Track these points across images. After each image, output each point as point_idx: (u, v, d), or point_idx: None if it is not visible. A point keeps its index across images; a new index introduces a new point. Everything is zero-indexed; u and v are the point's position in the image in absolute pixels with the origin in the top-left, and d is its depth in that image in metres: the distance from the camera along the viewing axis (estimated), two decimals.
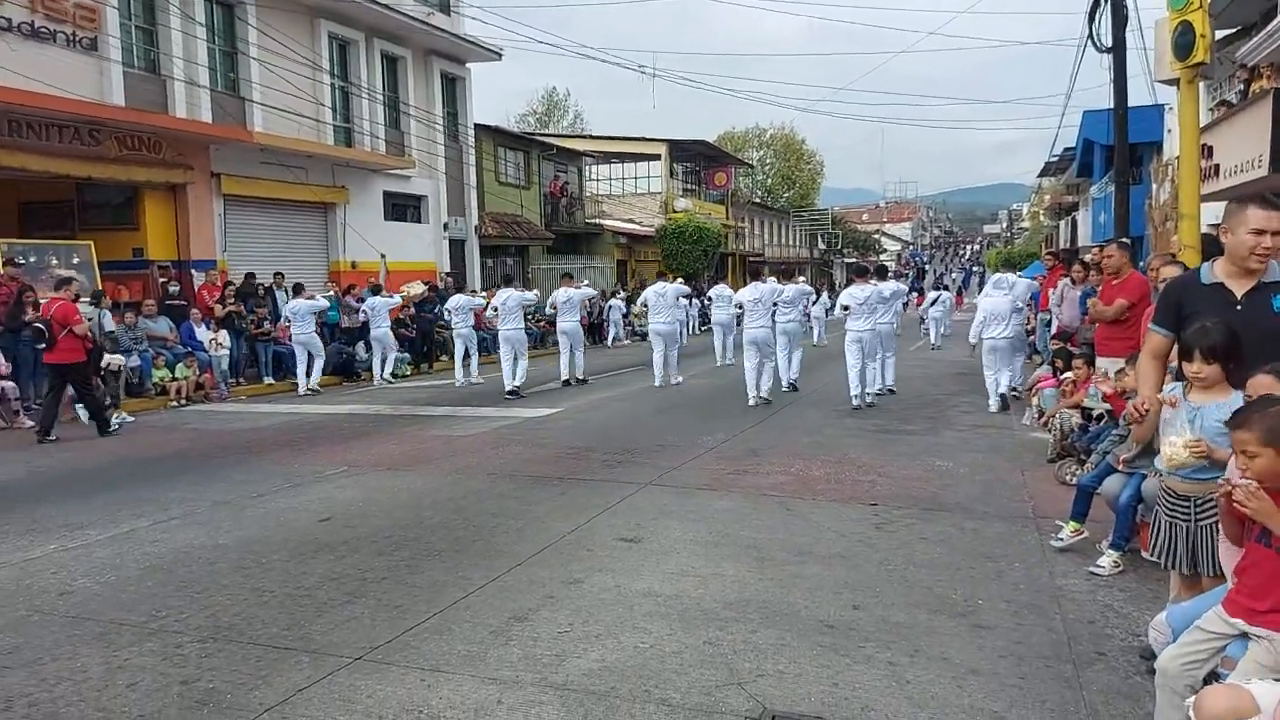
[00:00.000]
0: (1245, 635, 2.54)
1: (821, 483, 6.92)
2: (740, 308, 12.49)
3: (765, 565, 4.88)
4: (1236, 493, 2.45)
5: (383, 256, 19.26)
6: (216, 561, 5.12)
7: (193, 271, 16.11)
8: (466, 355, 14.95)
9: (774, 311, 11.92)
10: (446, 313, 15.61)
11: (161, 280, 15.35)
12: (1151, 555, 3.53)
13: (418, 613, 4.22)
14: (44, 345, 10.07)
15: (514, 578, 4.71)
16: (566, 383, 13.99)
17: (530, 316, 18.01)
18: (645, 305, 14.72)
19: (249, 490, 6.99)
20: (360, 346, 16.04)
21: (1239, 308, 3.40)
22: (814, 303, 19.69)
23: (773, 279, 12.90)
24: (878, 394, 11.64)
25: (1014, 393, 11.06)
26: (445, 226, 23.55)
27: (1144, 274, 7.11)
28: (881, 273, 14.42)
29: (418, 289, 17.65)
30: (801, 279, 16.90)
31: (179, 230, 16.35)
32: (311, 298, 14.58)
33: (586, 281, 21.37)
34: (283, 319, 14.60)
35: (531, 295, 14.60)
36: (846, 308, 11.38)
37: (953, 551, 5.10)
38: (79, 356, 9.98)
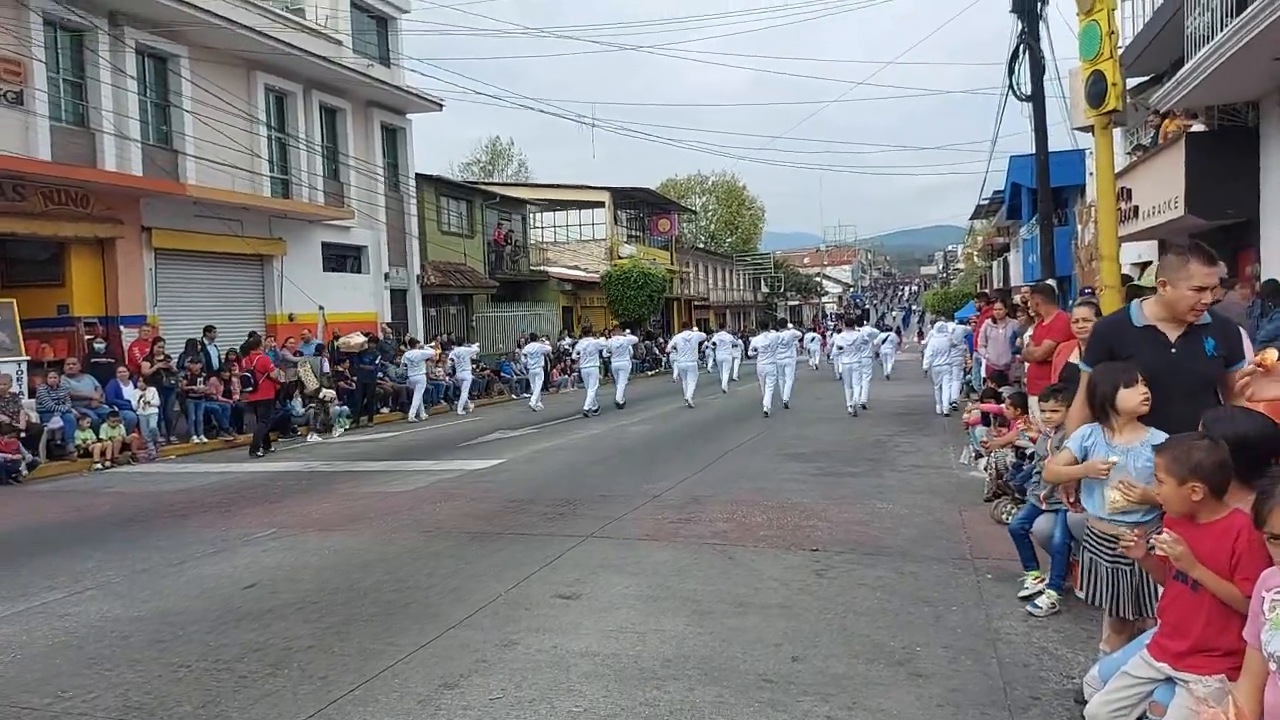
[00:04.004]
0: (1171, 680, 2.55)
1: (763, 529, 6.88)
2: (755, 350, 16.80)
3: (705, 618, 4.80)
4: (1158, 546, 2.47)
5: (321, 309, 18.97)
6: (131, 635, 4.86)
7: (121, 328, 15.64)
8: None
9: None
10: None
11: (87, 338, 14.87)
12: (1089, 600, 3.51)
13: (343, 684, 4.04)
14: (250, 389, 14.25)
15: (446, 642, 4.55)
16: (619, 405, 17.90)
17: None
18: (675, 348, 18.72)
19: (171, 557, 6.70)
20: (297, 402, 15.67)
21: (1173, 351, 3.40)
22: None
23: (773, 329, 17.58)
24: (862, 406, 15.40)
25: (952, 405, 14.46)
26: (386, 276, 23.32)
27: (1068, 313, 7.29)
28: (862, 320, 20.16)
29: (356, 340, 17.36)
30: (792, 326, 22.79)
31: (107, 286, 15.91)
32: (422, 348, 18.92)
33: (628, 330, 24.98)
34: (402, 364, 18.38)
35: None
36: (841, 348, 15.97)
37: (891, 597, 5.08)
38: (270, 395, 14.14)
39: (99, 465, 12.36)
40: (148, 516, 8.49)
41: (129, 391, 13.69)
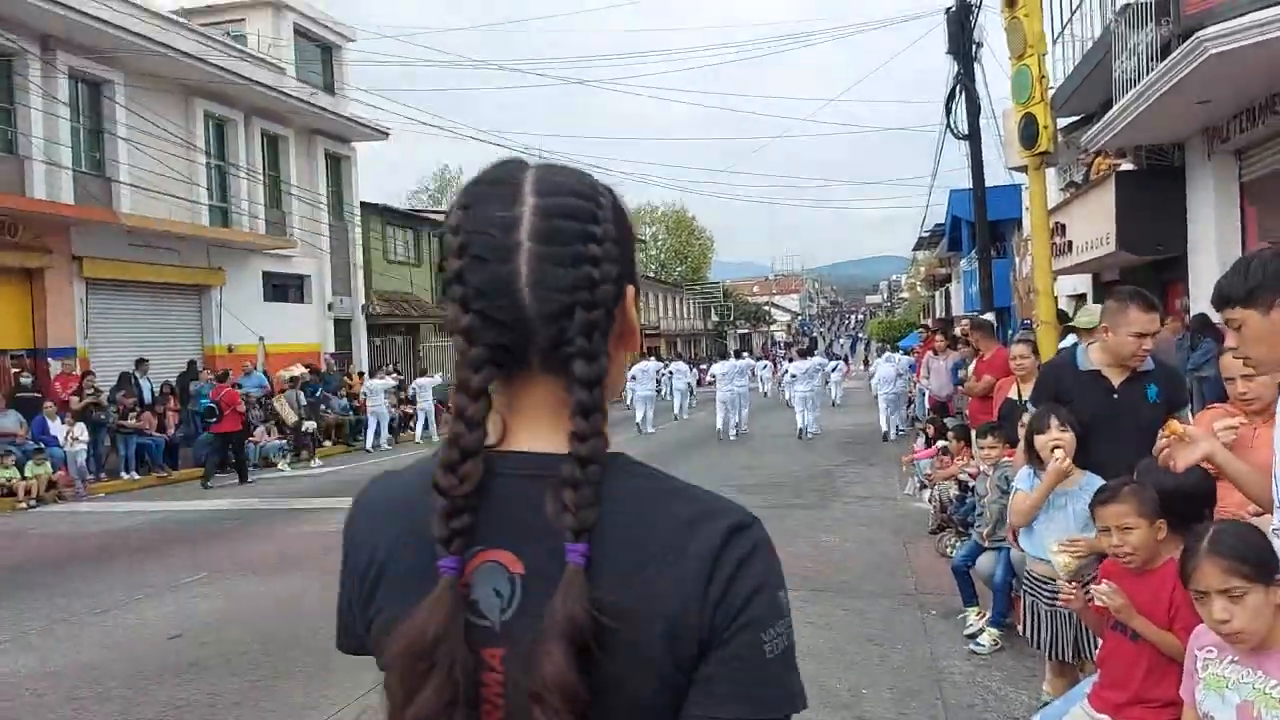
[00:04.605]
0: None
1: None
2: (713, 377, 18.11)
3: None
4: (1097, 597, 2.46)
5: (261, 340, 18.54)
6: (45, 694, 4.61)
7: (50, 361, 15.09)
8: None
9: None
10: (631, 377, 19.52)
11: (14, 370, 14.30)
12: (1031, 643, 3.52)
13: None
14: (214, 419, 13.74)
15: (381, 694, 4.38)
16: None
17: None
18: (633, 378, 19.05)
19: (93, 604, 6.39)
20: None
21: (1115, 396, 3.42)
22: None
23: (733, 358, 19.48)
24: (812, 433, 16.48)
25: (899, 430, 15.85)
26: (330, 306, 22.93)
27: (1008, 348, 7.43)
28: (813, 349, 22.21)
29: (296, 372, 16.95)
30: (747, 355, 25.47)
31: (35, 317, 15.35)
32: (383, 379, 19.24)
33: None
34: (361, 395, 18.84)
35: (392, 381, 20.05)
36: (794, 376, 17.27)
37: (837, 636, 5.06)
38: (236, 427, 13.81)
39: (24, 504, 11.83)
40: (72, 560, 8.11)
41: (56, 427, 13.17)
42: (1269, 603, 1.90)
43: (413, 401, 20.38)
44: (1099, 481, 3.33)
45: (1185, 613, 2.34)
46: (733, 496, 0.90)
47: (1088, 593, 2.64)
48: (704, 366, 38.11)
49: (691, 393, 23.98)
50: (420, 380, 20.85)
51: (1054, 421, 3.34)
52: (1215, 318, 9.29)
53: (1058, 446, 3.29)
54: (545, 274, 0.86)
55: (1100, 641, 2.73)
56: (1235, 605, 1.90)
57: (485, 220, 0.87)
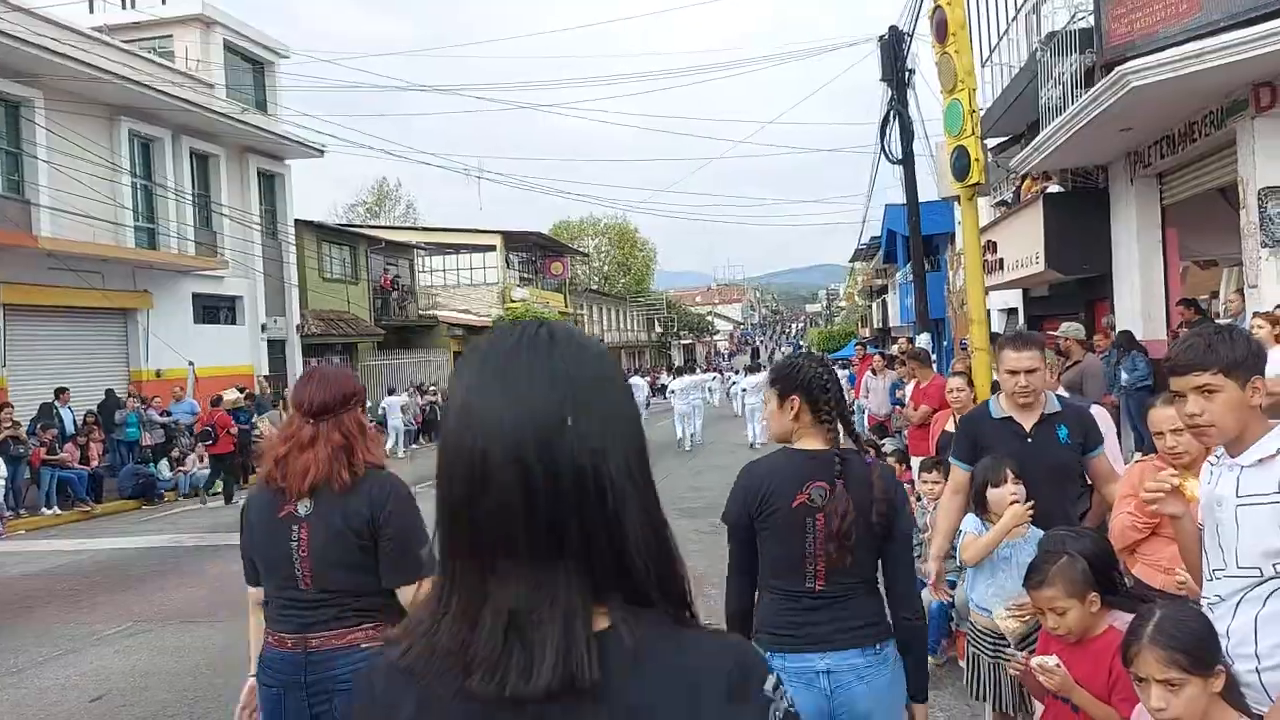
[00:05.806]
0: None
1: None
2: (673, 392, 19.54)
3: None
4: (1037, 675, 2.47)
5: (190, 364, 17.98)
6: None
7: None
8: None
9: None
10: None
11: None
12: (971, 694, 3.53)
13: None
14: (211, 441, 14.48)
15: None
16: None
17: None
18: None
19: (8, 662, 6.07)
20: (164, 465, 14.75)
21: (1029, 440, 3.51)
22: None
23: (690, 373, 22.03)
24: (762, 442, 16.58)
25: None
26: (263, 327, 22.35)
27: (944, 376, 7.55)
28: (756, 356, 26.95)
29: (230, 396, 16.44)
30: (700, 369, 27.95)
31: None
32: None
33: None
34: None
35: None
36: (745, 389, 18.78)
37: None
38: (230, 448, 14.52)
39: None
40: None
41: None
42: (1205, 693, 1.92)
43: (382, 421, 21.38)
44: (1039, 534, 3.38)
45: (1125, 683, 2.36)
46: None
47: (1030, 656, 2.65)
48: (651, 379, 39.10)
49: (646, 405, 25.56)
50: (389, 399, 21.83)
51: (1008, 474, 3.38)
52: (1139, 334, 9.53)
53: (1016, 500, 3.32)
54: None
55: (1041, 711, 2.75)
56: (1171, 695, 1.92)
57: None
